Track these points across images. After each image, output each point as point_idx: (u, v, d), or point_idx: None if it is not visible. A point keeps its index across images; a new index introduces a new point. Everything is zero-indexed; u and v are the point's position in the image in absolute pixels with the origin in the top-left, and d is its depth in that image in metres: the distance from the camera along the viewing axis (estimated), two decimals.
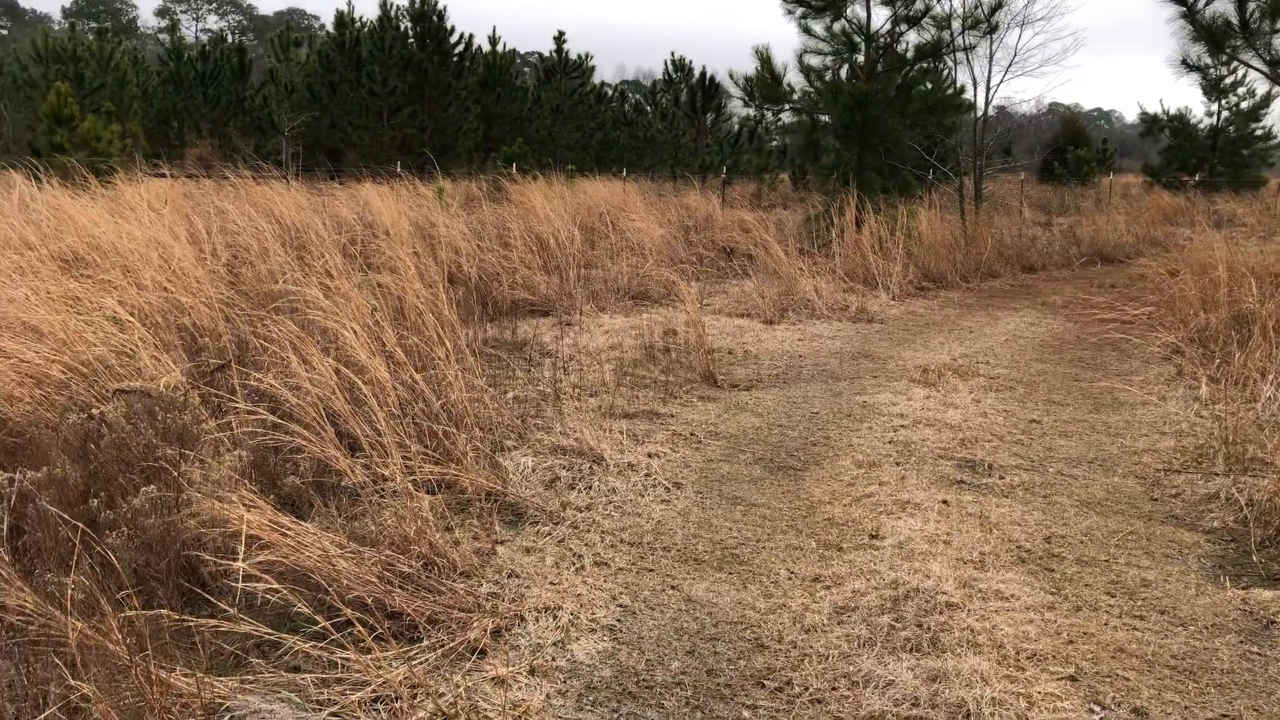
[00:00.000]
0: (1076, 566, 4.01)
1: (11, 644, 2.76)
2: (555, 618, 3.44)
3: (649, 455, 5.19)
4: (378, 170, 18.29)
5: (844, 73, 14.92)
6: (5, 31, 77.01)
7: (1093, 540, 4.30)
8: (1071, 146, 33.22)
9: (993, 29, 15.09)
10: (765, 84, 14.92)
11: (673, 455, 5.28)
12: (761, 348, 8.41)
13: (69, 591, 2.58)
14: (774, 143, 32.81)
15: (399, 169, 17.92)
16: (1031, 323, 10.02)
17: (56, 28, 55.04)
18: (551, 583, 3.71)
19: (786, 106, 15.33)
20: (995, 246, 14.28)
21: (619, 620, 3.47)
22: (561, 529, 4.22)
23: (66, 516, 3.00)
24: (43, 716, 2.50)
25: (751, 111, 29.66)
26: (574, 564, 3.90)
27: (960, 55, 15.38)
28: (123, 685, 2.64)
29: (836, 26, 14.59)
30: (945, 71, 16.15)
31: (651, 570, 3.89)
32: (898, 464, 5.27)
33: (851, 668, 3.16)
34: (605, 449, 5.09)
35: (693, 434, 5.69)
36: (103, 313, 4.78)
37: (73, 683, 2.52)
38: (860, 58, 14.67)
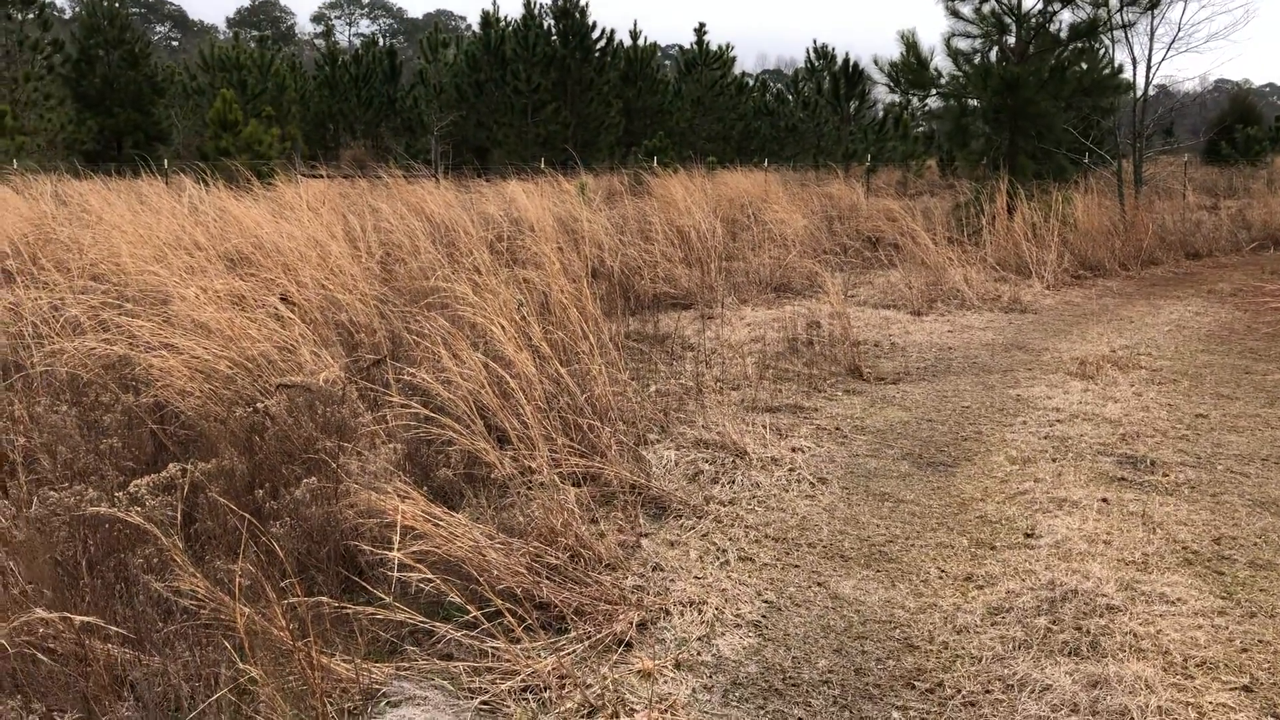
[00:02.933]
0: (1250, 570, 3.79)
1: (186, 627, 2.91)
2: (700, 612, 3.43)
3: (793, 450, 5.13)
4: (522, 167, 18.65)
5: (994, 55, 14.47)
6: (176, 43, 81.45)
7: (1268, 542, 4.05)
8: (1240, 125, 31.39)
9: (1154, 4, 14.37)
10: (911, 69, 14.59)
11: (817, 450, 5.21)
12: (909, 340, 8.22)
13: (237, 578, 2.71)
14: (920, 129, 32.03)
15: (543, 165, 18.20)
16: (1197, 312, 9.52)
17: (221, 37, 57.91)
18: (696, 577, 3.71)
19: (934, 91, 14.96)
20: (1156, 232, 13.63)
21: (764, 616, 3.44)
22: (705, 523, 4.21)
23: (234, 506, 3.15)
24: (215, 696, 2.63)
25: (896, 98, 29.02)
26: (718, 558, 3.89)
27: (1118, 33, 14.70)
28: (287, 669, 2.76)
29: (986, 8, 14.17)
30: (1102, 51, 15.46)
31: (797, 566, 3.84)
32: (1054, 460, 5.07)
33: (1006, 670, 3.05)
34: (748, 443, 5.06)
35: (838, 428, 5.61)
36: (266, 310, 4.99)
37: (241, 665, 2.64)
38: (1011, 39, 14.19)
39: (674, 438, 5.21)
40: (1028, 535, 4.12)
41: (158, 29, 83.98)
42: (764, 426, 5.40)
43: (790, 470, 4.85)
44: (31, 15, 31.47)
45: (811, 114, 34.66)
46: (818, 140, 33.51)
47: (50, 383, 4.54)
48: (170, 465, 3.17)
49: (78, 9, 41.56)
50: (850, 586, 3.67)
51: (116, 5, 36.24)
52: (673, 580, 3.66)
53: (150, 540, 2.96)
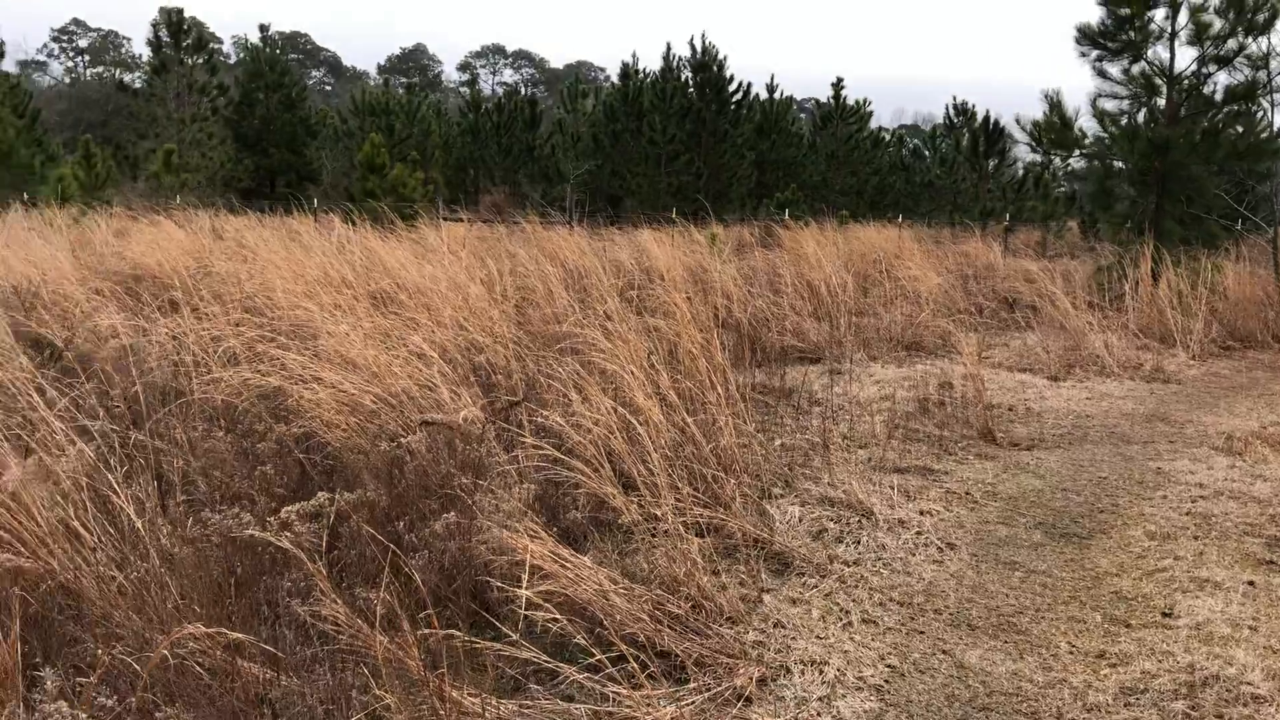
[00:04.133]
0: None
1: (324, 651, 3.04)
2: (821, 672, 3.41)
3: (921, 512, 5.06)
4: (654, 216, 18.89)
5: (1142, 117, 14.08)
6: (329, 87, 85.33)
7: None
8: None
9: None
10: (1055, 128, 14.31)
11: (946, 514, 5.12)
12: (1045, 405, 8.02)
13: (378, 607, 2.82)
14: (1061, 189, 31.26)
15: (674, 215, 18.41)
16: None
17: (372, 83, 60.43)
18: (818, 636, 3.68)
19: (1077, 152, 14.63)
20: None
21: (886, 681, 3.40)
22: (828, 582, 4.18)
23: (378, 536, 3.28)
24: None
25: (1038, 157, 28.46)
26: (841, 619, 3.86)
27: (1278, 96, 14.15)
28: (417, 698, 2.85)
29: (1135, 69, 13.82)
30: (1260, 114, 14.89)
31: (922, 632, 3.78)
32: (1196, 538, 4.88)
33: None
34: (875, 503, 5.01)
35: (968, 493, 5.51)
36: (408, 348, 5.19)
37: (376, 692, 2.74)
38: (1161, 101, 13.81)
39: (799, 494, 5.19)
40: (1165, 614, 3.97)
41: (313, 74, 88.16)
42: (891, 487, 5.34)
43: (918, 533, 4.78)
44: (201, 60, 33.45)
45: (948, 171, 34.27)
46: (954, 197, 33.09)
47: (207, 410, 4.80)
48: (319, 494, 3.32)
49: (242, 54, 43.98)
50: (976, 656, 3.60)
51: (277, 51, 38.20)
52: (794, 638, 3.65)
53: (296, 565, 3.10)
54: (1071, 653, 3.64)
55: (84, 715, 2.33)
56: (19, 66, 71.23)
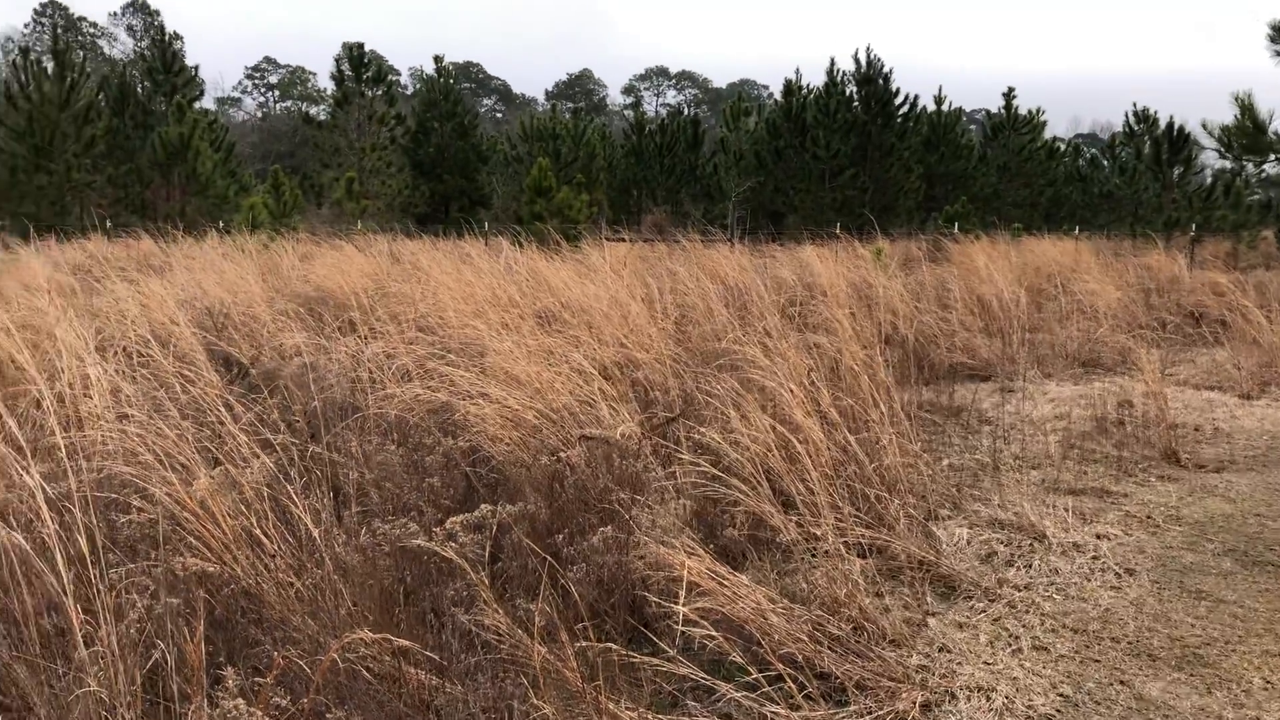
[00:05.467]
0: None
1: (485, 660, 3.11)
2: (988, 699, 3.28)
3: (1097, 536, 4.82)
4: (817, 232, 18.72)
5: None
6: (500, 114, 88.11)
7: None
8: None
9: None
10: (1246, 133, 13.53)
11: (1125, 538, 4.86)
12: (1235, 425, 7.53)
13: (536, 618, 2.87)
14: (1254, 196, 29.43)
15: (838, 230, 18.18)
16: None
17: (540, 109, 62.04)
18: (985, 662, 3.55)
19: (1272, 157, 13.77)
20: None
21: (1059, 710, 3.24)
22: (997, 607, 4.02)
23: (537, 548, 3.34)
24: None
25: (1228, 163, 26.87)
26: (1010, 645, 3.71)
27: None
28: (575, 710, 2.88)
29: None
30: None
31: (1097, 661, 3.60)
32: None
33: None
34: (1048, 526, 4.81)
35: (1149, 516, 5.22)
36: (570, 365, 5.28)
37: (535, 702, 2.78)
38: None
39: (967, 515, 5.03)
40: None
41: (484, 102, 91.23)
42: (1066, 509, 5.11)
43: (1094, 558, 4.55)
44: (380, 91, 35.06)
45: (1129, 180, 32.75)
46: (1135, 208, 31.59)
47: (380, 424, 5.00)
48: (482, 506, 3.41)
49: (418, 85, 45.88)
50: (1158, 689, 3.40)
51: (451, 81, 39.64)
52: (960, 663, 3.53)
53: (460, 575, 3.19)
54: (1266, 689, 3.40)
55: (260, 713, 2.45)
56: (216, 103, 76.42)
